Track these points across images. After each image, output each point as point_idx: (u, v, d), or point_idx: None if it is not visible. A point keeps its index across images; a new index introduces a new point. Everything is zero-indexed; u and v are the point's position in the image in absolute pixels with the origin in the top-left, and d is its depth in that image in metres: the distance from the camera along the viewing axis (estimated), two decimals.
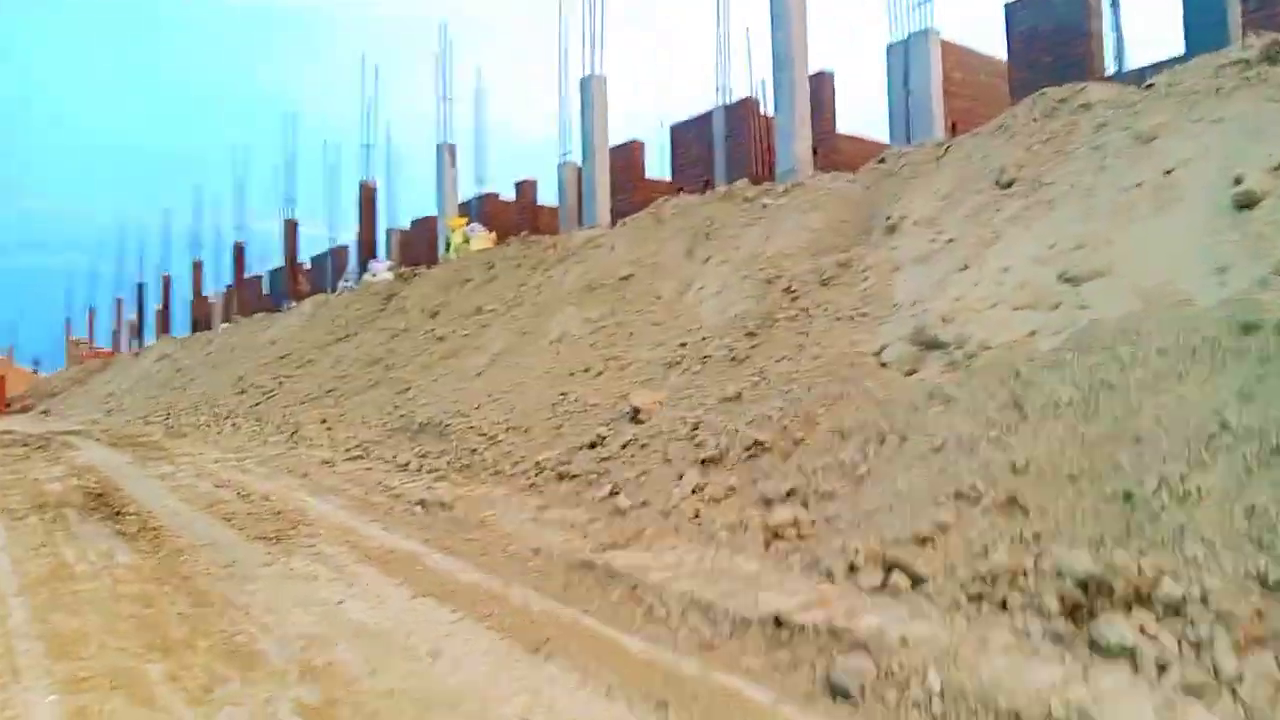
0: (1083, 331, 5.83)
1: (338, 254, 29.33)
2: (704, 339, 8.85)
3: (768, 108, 17.07)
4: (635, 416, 7.93)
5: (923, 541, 4.62)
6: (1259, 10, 9.85)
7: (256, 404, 16.36)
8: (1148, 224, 6.33)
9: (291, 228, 32.23)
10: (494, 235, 20.95)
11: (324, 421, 12.68)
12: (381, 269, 23.88)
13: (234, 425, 15.00)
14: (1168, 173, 6.56)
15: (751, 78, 18.03)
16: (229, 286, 37.24)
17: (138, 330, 45.88)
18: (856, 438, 6.22)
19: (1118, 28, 13.58)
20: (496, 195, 24.00)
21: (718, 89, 17.35)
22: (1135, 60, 13.16)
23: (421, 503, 7.29)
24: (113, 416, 22.60)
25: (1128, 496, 4.33)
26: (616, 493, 6.82)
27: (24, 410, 33.10)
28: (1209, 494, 4.04)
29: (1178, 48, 11.46)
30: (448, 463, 8.95)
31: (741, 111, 16.73)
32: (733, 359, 8.11)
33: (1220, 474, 4.09)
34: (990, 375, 6.00)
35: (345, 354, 16.75)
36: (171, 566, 5.81)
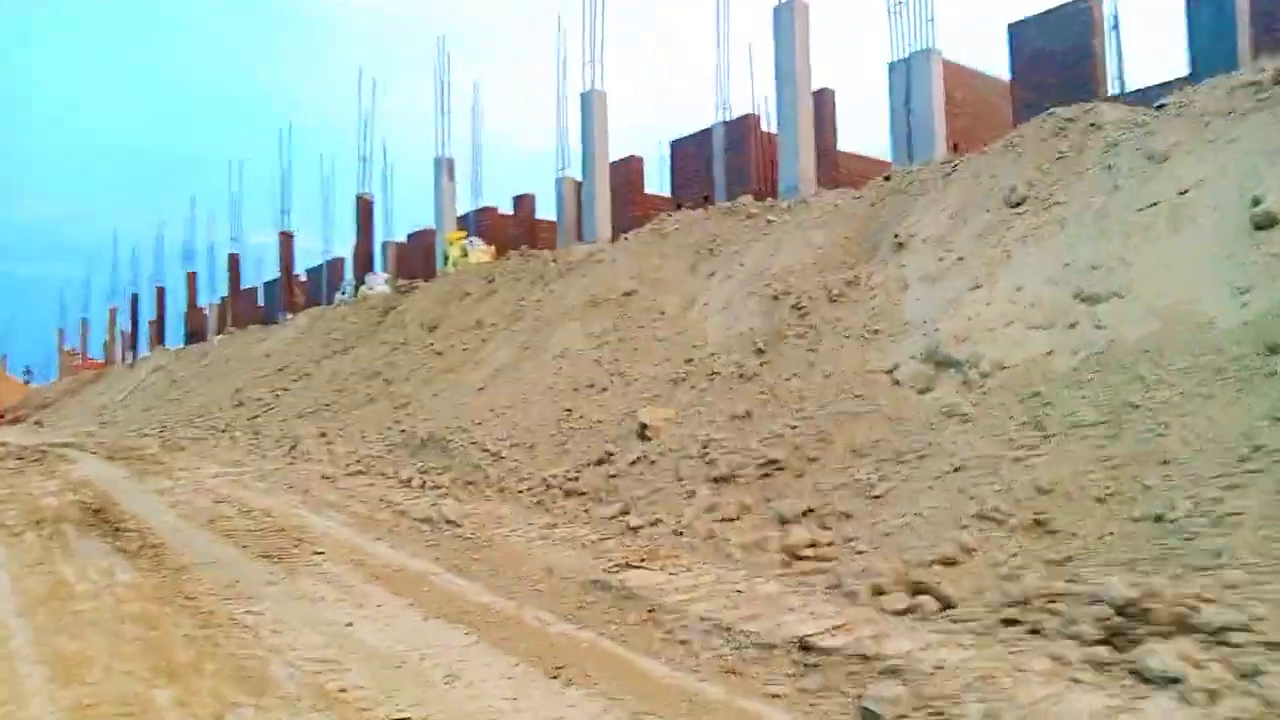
0: (1102, 351, 5.77)
1: (333, 267, 29.22)
2: (711, 355, 8.77)
3: (769, 124, 17.09)
4: (643, 433, 7.85)
5: (949, 564, 4.54)
6: (1268, 33, 9.86)
7: (254, 417, 16.21)
8: (1164, 244, 6.27)
9: (287, 240, 32.11)
10: (492, 249, 20.87)
11: (323, 435, 12.55)
12: (378, 282, 23.77)
13: (231, 439, 14.85)
14: (1182, 193, 6.51)
15: (754, 94, 18.05)
16: (223, 298, 37.08)
17: (131, 341, 45.60)
18: (872, 456, 6.15)
19: (1119, 50, 13.65)
20: (494, 209, 23.93)
21: (718, 105, 17.36)
22: (1134, 82, 13.23)
23: (427, 520, 7.17)
24: (107, 429, 22.39)
25: (1159, 519, 4.26)
26: (627, 511, 6.73)
27: (16, 421, 32.82)
28: (1246, 517, 3.97)
29: (1177, 69, 11.50)
30: (451, 479, 8.84)
31: (742, 127, 16.72)
32: (741, 376, 8.03)
33: (1257, 496, 4.03)
34: (1008, 394, 5.94)
35: (342, 368, 16.63)
36: (174, 585, 5.68)
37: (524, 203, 23.71)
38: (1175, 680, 3.26)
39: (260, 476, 10.58)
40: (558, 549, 6.18)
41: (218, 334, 33.97)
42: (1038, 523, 4.62)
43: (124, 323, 47.34)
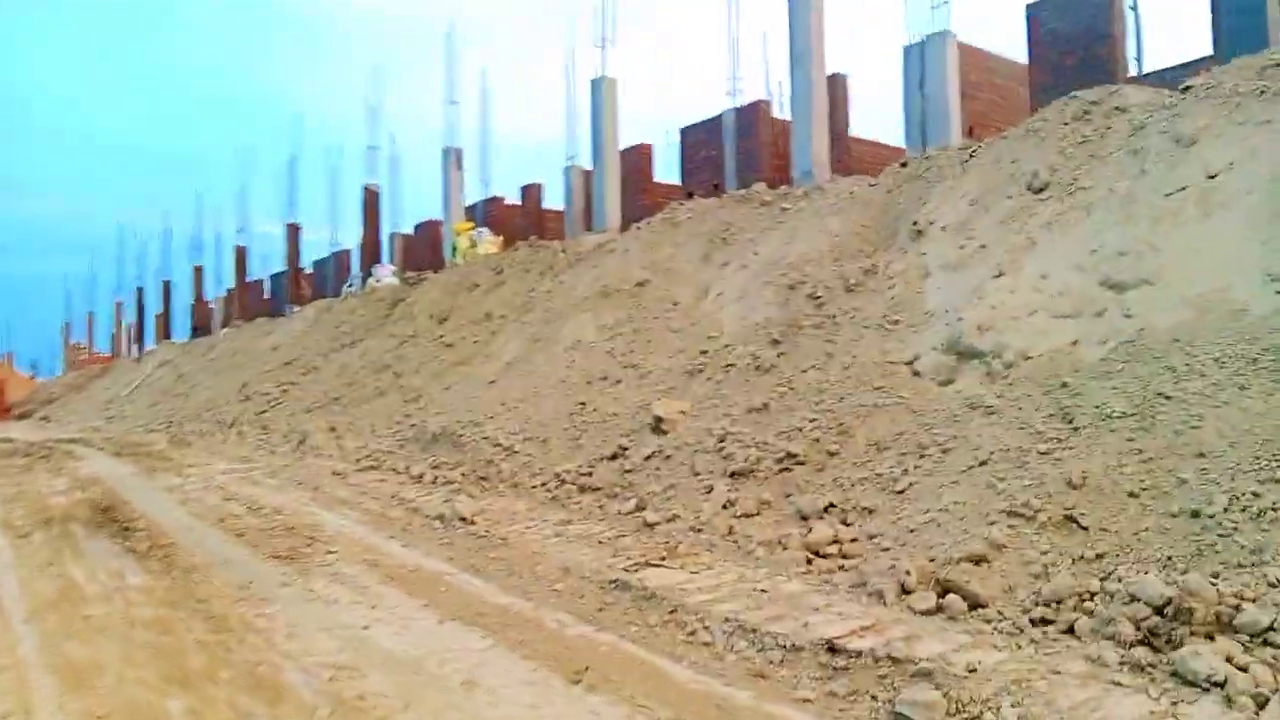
0: (1131, 340, 5.63)
1: (340, 259, 29.11)
2: (726, 347, 8.64)
3: (781, 110, 16.90)
4: (658, 427, 7.73)
5: (977, 561, 4.41)
6: None
7: (261, 411, 16.14)
8: (1193, 229, 6.12)
9: (294, 231, 32.01)
10: (500, 239, 20.73)
11: (332, 430, 12.46)
12: (386, 274, 23.66)
13: (239, 434, 14.79)
14: (1212, 177, 6.35)
15: (768, 80, 17.82)
16: (229, 291, 37.00)
17: (138, 335, 45.59)
18: (894, 450, 6.02)
19: (1138, 31, 13.42)
20: (502, 199, 23.77)
21: (729, 91, 17.16)
22: (1153, 63, 13.01)
23: (440, 517, 7.07)
24: (114, 424, 22.38)
25: (1195, 514, 4.13)
26: (643, 507, 6.62)
27: (23, 417, 32.88)
28: None
29: (1195, 50, 11.29)
30: (463, 474, 8.74)
31: (753, 114, 16.52)
32: (757, 368, 7.90)
33: None
34: (1034, 385, 5.80)
35: (351, 361, 16.53)
36: (186, 588, 5.59)
37: (532, 192, 23.55)
38: (1219, 684, 3.15)
39: (270, 473, 10.49)
40: (574, 547, 6.07)
41: (224, 327, 33.91)
42: (1069, 518, 4.49)
43: (130, 316, 47.36)
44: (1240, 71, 7.05)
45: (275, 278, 33.95)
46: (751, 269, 9.87)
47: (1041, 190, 7.61)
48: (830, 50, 13.61)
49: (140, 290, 45.93)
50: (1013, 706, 3.23)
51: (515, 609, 4.94)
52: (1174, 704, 3.13)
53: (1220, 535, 3.96)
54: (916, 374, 6.74)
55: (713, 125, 17.37)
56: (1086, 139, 7.79)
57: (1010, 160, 8.33)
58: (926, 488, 5.40)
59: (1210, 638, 3.42)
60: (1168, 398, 4.95)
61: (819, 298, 8.35)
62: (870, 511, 5.47)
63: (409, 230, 26.85)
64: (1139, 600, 3.65)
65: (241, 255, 36.26)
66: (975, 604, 4.16)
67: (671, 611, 4.62)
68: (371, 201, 27.18)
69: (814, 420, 6.65)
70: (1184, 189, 6.42)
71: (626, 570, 5.29)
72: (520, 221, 22.56)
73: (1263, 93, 6.54)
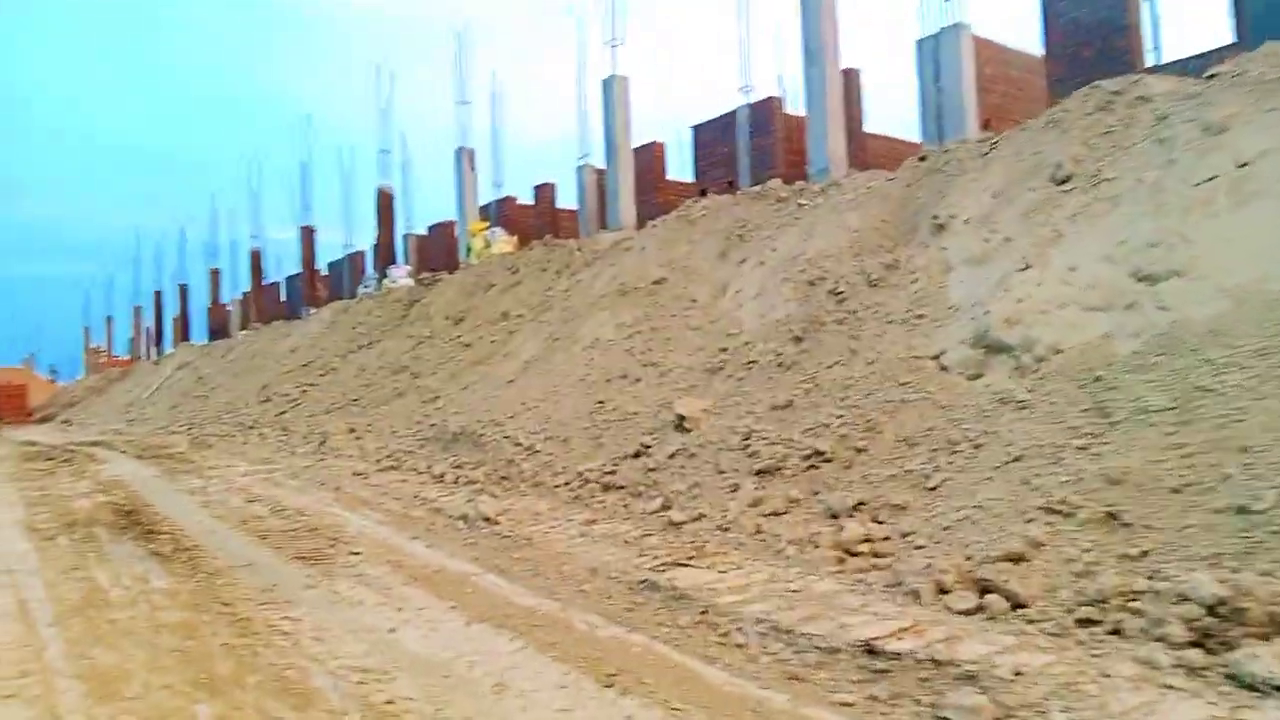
0: (1165, 333, 5.52)
1: (354, 260, 29.15)
2: (747, 344, 8.56)
3: (793, 106, 16.80)
4: (681, 425, 7.66)
5: (1016, 560, 4.32)
6: None
7: (281, 413, 16.16)
8: (1226, 219, 6.00)
9: (308, 234, 32.08)
10: (515, 239, 20.71)
11: (352, 431, 12.45)
12: (401, 275, 23.68)
13: (260, 435, 14.80)
14: (1243, 165, 6.23)
15: (781, 77, 17.71)
16: (245, 294, 37.14)
17: (156, 338, 45.85)
18: (924, 446, 5.93)
19: (1155, 20, 13.27)
20: (515, 199, 23.75)
21: (741, 88, 17.06)
22: (1171, 53, 12.84)
23: (464, 517, 7.02)
24: (135, 426, 22.46)
25: (1242, 510, 4.02)
26: (668, 506, 6.55)
27: (45, 420, 33.08)
28: None
29: (1211, 39, 11.15)
30: (485, 474, 8.69)
31: (766, 110, 16.43)
32: (780, 364, 7.82)
33: None
34: (1066, 379, 5.70)
35: (369, 362, 16.53)
36: (211, 591, 5.55)
37: (544, 192, 23.52)
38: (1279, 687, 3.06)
39: (291, 474, 10.48)
40: (600, 546, 6.01)
41: (241, 330, 34.02)
42: (1110, 515, 4.39)
43: (148, 320, 47.63)
44: (1268, 58, 6.93)
45: (290, 280, 34.05)
46: (770, 265, 9.79)
47: (1065, 182, 7.49)
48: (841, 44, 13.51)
49: (158, 294, 46.23)
50: (1063, 712, 3.15)
51: (543, 610, 4.88)
52: (1234, 709, 3.03)
53: (1271, 532, 3.86)
54: (943, 369, 6.64)
55: (725, 122, 17.30)
56: (1110, 129, 7.67)
57: (1032, 152, 8.21)
58: (959, 484, 5.31)
59: (1267, 639, 3.33)
60: (1207, 391, 4.84)
61: (840, 293, 8.26)
62: (902, 509, 5.39)
63: (423, 231, 26.88)
64: (1189, 600, 3.55)
65: (257, 258, 36.38)
66: (1016, 604, 4.07)
67: (703, 612, 4.54)
68: (386, 203, 27.20)
69: (840, 416, 6.56)
70: (1214, 178, 6.30)
71: (655, 570, 5.22)
72: (534, 221, 22.54)
73: None
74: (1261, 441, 4.34)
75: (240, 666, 4.23)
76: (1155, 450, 4.68)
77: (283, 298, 34.28)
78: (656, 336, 9.92)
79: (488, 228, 21.37)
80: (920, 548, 4.88)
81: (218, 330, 38.42)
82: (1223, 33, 10.99)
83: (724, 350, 8.75)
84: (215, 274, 40.85)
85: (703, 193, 15.57)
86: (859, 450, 6.19)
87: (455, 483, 8.69)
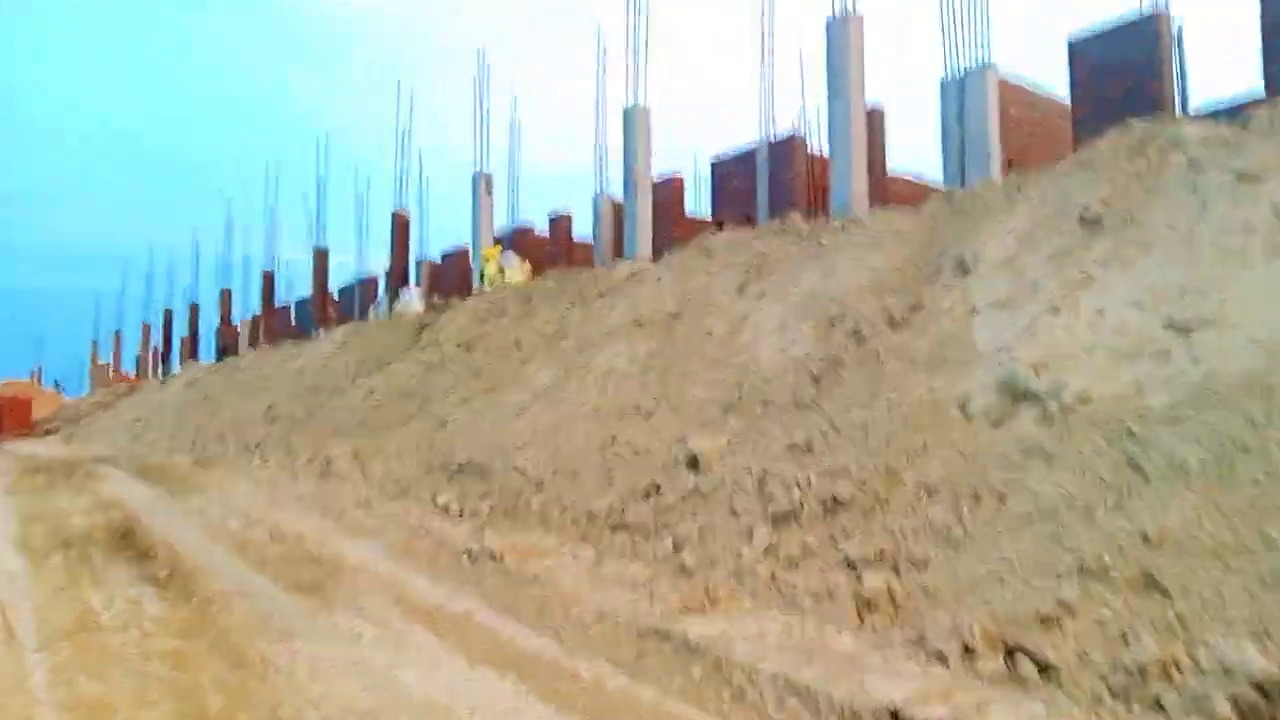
0: (1199, 385, 5.32)
1: (366, 285, 29.09)
2: (764, 381, 8.38)
3: (817, 143, 16.73)
4: (694, 463, 7.46)
5: (1047, 622, 4.11)
6: None
7: (286, 435, 15.98)
8: (1261, 270, 5.83)
9: (322, 256, 32.06)
10: (529, 266, 20.61)
11: (357, 456, 12.27)
12: (413, 297, 23.58)
13: (263, 457, 14.63)
14: None
15: (804, 111, 17.65)
16: (255, 315, 37.12)
17: (164, 355, 45.88)
18: (946, 495, 5.73)
19: (1183, 67, 13.17)
20: (530, 228, 23.70)
21: (761, 122, 16.99)
22: (1197, 100, 12.74)
23: (468, 551, 6.84)
24: (138, 443, 22.32)
25: None
26: (680, 549, 6.35)
27: (49, 433, 32.99)
28: None
29: (1230, 88, 11.05)
30: (490, 506, 8.51)
31: (787, 146, 16.34)
32: (798, 404, 7.63)
33: None
34: (1095, 431, 5.49)
35: (377, 386, 16.37)
36: (205, 619, 5.38)
37: (560, 223, 23.49)
38: None
39: (294, 498, 10.31)
40: (608, 588, 5.81)
41: (250, 349, 33.97)
42: (1147, 578, 4.19)
43: (157, 336, 47.72)
44: None
45: (300, 304, 34.04)
46: (789, 302, 9.62)
47: (1094, 225, 7.34)
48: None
49: (169, 312, 46.31)
50: None
51: (549, 654, 4.69)
52: None
53: None
54: (967, 415, 6.45)
55: (745, 157, 17.22)
56: (1141, 173, 7.52)
57: (1060, 194, 8.07)
58: (984, 538, 5.11)
59: None
60: (1246, 449, 4.64)
61: (861, 333, 8.08)
62: (924, 562, 5.18)
63: (435, 258, 26.85)
64: (1234, 674, 3.35)
65: (269, 280, 36.39)
66: (1047, 669, 3.86)
67: (715, 665, 4.34)
68: (402, 227, 27.18)
69: (859, 461, 6.36)
70: (1249, 227, 6.14)
71: (665, 617, 5.02)
72: (549, 250, 22.47)
73: None
74: None
75: (232, 702, 4.05)
76: (1192, 510, 4.48)
77: (293, 320, 34.25)
78: (671, 370, 9.75)
79: (501, 252, 21.30)
80: (944, 605, 4.67)
81: (226, 350, 38.39)
82: (1253, 78, 10.89)
83: (740, 386, 8.57)
84: (226, 294, 40.89)
85: (720, 226, 15.47)
86: (879, 497, 5.99)
87: (460, 514, 8.51)
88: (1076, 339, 6.36)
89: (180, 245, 45.07)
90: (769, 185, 16.30)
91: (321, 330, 27.13)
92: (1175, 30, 12.53)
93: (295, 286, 35.88)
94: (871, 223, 10.52)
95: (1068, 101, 13.25)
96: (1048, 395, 6.08)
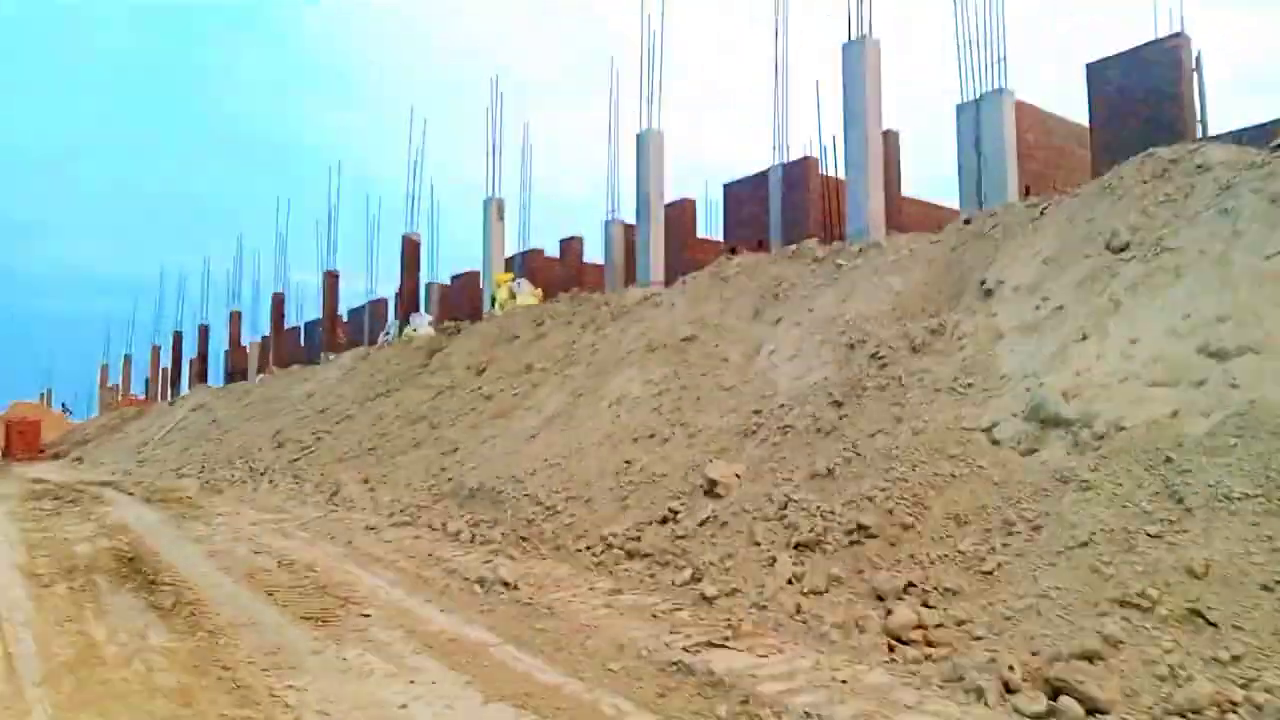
0: (1241, 414, 5.14)
1: (376, 308, 29.07)
2: (782, 407, 8.22)
3: (830, 167, 16.65)
4: (712, 490, 7.30)
5: (1091, 659, 3.93)
6: None
7: (294, 460, 15.84)
8: None
9: (332, 279, 32.07)
10: (540, 291, 20.54)
11: (366, 482, 12.12)
12: (422, 323, 23.52)
13: (271, 482, 14.47)
14: None
15: (820, 135, 17.57)
16: (264, 337, 37.12)
17: (173, 379, 45.87)
18: (976, 525, 5.55)
19: (1202, 92, 13.06)
20: (541, 252, 23.67)
21: (775, 145, 16.92)
22: (1216, 126, 12.61)
23: (480, 581, 6.66)
24: (146, 467, 22.18)
25: None
26: (699, 578, 6.16)
27: (56, 456, 32.89)
28: None
29: (1254, 116, 10.93)
30: (503, 534, 8.33)
31: (801, 170, 16.26)
32: (818, 430, 7.46)
33: None
34: (1131, 459, 5.31)
35: (386, 411, 16.24)
36: (210, 651, 5.20)
37: (571, 246, 23.45)
38: None
39: (301, 525, 10.14)
40: (627, 620, 5.62)
41: (259, 373, 33.91)
42: (1194, 612, 4.01)
43: (166, 360, 47.74)
44: None
45: (310, 326, 34.02)
46: (806, 326, 9.48)
47: (1122, 250, 7.19)
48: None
49: (178, 334, 46.38)
50: None
51: (567, 690, 4.50)
52: None
53: None
54: (995, 442, 6.27)
55: (757, 181, 17.15)
56: (1169, 197, 7.38)
57: (1085, 219, 7.93)
58: (1019, 569, 4.92)
59: None
60: None
61: (882, 358, 7.93)
62: (955, 593, 5.00)
63: (446, 280, 26.81)
64: None
65: (279, 302, 36.40)
66: (1093, 709, 3.67)
67: (743, 702, 4.15)
68: (412, 251, 27.17)
69: (885, 489, 6.18)
70: None
71: (688, 650, 4.83)
72: (560, 274, 22.42)
73: None
74: None
75: None
76: (1239, 541, 4.30)
77: (302, 343, 34.23)
78: (686, 395, 9.59)
79: (513, 278, 21.24)
80: (979, 638, 4.49)
81: (235, 373, 38.35)
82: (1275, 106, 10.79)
83: (757, 412, 8.41)
84: (236, 316, 40.94)
85: (733, 251, 15.37)
86: (905, 526, 5.81)
87: (472, 541, 8.33)
88: (1108, 366, 6.20)
89: (191, 268, 45.22)
90: (781, 208, 16.19)
91: (331, 354, 27.04)
92: (1195, 57, 12.45)
93: (305, 309, 35.93)
94: (890, 246, 10.40)
95: (1084, 125, 13.18)
96: (1080, 423, 5.91)
